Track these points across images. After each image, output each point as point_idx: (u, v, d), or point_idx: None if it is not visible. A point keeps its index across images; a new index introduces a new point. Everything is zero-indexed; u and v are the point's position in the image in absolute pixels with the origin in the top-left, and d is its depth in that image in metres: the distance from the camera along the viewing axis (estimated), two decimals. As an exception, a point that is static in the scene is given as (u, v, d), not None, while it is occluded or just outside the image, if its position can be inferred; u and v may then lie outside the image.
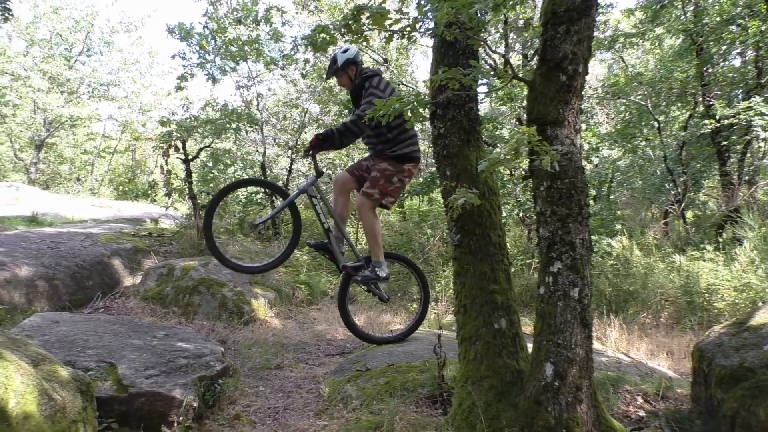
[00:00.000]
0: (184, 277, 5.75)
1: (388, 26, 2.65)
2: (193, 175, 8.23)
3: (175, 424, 2.99)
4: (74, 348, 3.34)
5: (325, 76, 4.79)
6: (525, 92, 8.26)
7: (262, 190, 7.92)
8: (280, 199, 4.52)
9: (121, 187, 20.50)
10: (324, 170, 5.36)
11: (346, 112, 10.27)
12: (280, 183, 10.03)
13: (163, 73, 31.65)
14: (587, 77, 2.48)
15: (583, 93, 2.52)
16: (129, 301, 5.76)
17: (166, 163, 8.24)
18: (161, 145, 7.96)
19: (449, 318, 6.16)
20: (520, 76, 2.63)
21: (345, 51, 4.36)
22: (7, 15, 7.20)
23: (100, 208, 12.19)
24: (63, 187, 20.46)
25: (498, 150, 3.22)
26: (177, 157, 8.01)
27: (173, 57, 11.44)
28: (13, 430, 1.92)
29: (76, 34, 20.39)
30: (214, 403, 3.37)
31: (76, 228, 7.63)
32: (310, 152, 4.25)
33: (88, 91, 20.93)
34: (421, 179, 9.10)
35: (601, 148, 12.08)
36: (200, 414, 3.19)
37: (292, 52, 9.90)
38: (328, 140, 4.13)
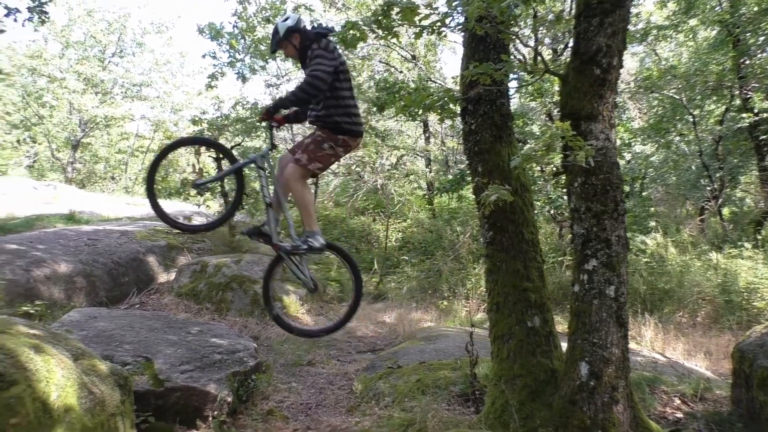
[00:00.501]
0: (217, 274, 5.83)
1: (417, 21, 2.64)
2: (224, 173, 8.30)
3: (210, 419, 3.03)
4: (112, 343, 3.42)
5: (270, 49, 4.46)
6: (556, 87, 8.15)
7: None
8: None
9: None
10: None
11: (374, 109, 10.24)
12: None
13: (193, 72, 32.05)
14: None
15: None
16: (164, 297, 5.86)
17: (198, 162, 8.36)
18: (193, 144, 8.06)
19: (480, 316, 6.12)
20: (553, 70, 2.59)
21: (285, 20, 3.95)
22: (43, 18, 7.39)
23: (135, 206, 12.42)
24: (98, 186, 20.93)
25: (530, 145, 3.18)
26: (208, 156, 8.12)
27: (204, 56, 11.62)
28: (54, 422, 1.97)
29: (109, 36, 20.83)
30: (247, 398, 3.41)
31: (112, 226, 7.79)
32: (271, 123, 3.87)
33: (122, 92, 21.38)
34: (450, 176, 9.04)
35: (633, 144, 11.84)
36: (234, 409, 3.23)
37: (321, 50, 9.92)
38: (278, 109, 3.79)
